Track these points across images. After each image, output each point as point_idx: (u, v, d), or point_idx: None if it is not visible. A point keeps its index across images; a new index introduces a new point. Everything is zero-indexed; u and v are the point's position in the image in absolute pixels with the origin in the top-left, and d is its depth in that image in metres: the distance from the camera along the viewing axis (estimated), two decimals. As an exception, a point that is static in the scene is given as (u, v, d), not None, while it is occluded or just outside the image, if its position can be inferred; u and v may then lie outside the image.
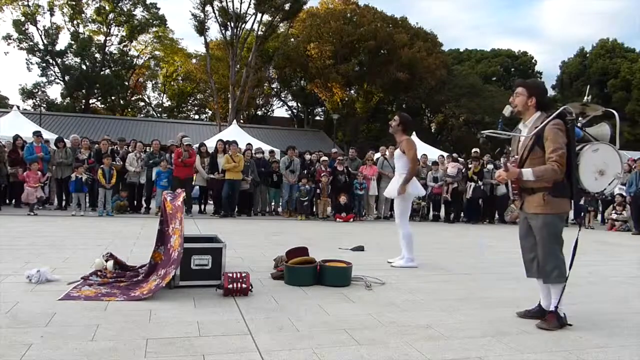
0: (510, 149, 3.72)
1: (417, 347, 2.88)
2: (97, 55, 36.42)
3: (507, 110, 3.56)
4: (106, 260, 4.44)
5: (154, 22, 37.13)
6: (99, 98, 37.94)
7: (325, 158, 11.91)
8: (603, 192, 3.46)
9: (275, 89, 39.70)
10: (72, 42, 35.13)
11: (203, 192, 11.81)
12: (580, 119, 3.53)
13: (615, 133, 3.43)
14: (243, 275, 3.93)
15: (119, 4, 35.99)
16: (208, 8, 26.83)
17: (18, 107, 23.94)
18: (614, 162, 3.38)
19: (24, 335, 2.79)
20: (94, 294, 3.73)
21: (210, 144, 12.98)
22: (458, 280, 4.92)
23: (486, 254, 6.76)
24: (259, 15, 27.96)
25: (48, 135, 14.17)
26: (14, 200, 11.04)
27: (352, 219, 11.00)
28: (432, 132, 38.96)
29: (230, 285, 3.83)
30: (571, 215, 12.79)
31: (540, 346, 2.99)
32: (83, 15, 36.00)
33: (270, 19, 28.62)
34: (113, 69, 37.22)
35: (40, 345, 2.65)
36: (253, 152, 11.69)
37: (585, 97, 3.52)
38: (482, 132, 3.72)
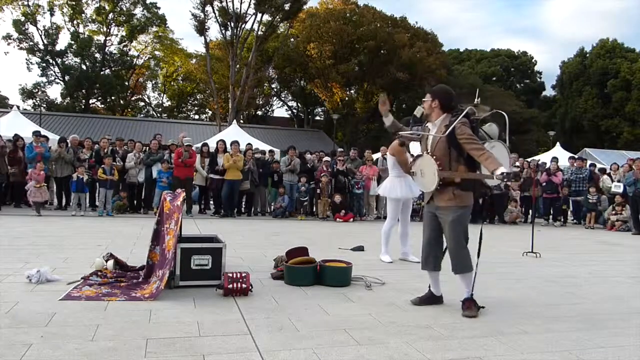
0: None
1: (417, 347, 2.88)
2: (97, 55, 36.36)
3: (418, 111, 3.89)
4: (106, 260, 4.44)
5: (154, 22, 37.08)
6: (99, 98, 37.89)
7: (327, 158, 11.90)
8: (498, 186, 3.81)
9: (275, 89, 39.66)
10: (72, 42, 35.07)
11: (202, 192, 11.81)
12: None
13: (505, 132, 3.84)
14: (243, 275, 3.93)
15: (119, 4, 35.94)
16: (208, 8, 26.77)
17: (18, 107, 23.89)
18: (505, 159, 3.67)
19: (24, 335, 2.79)
20: (95, 294, 3.74)
21: (211, 144, 12.97)
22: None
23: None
24: (259, 15, 27.94)
25: (48, 135, 14.11)
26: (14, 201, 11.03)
27: (352, 219, 10.99)
28: (432, 132, 38.92)
29: (230, 285, 3.84)
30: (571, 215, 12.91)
31: (540, 346, 3.00)
32: (83, 15, 35.95)
33: (270, 19, 28.58)
34: (113, 69, 37.18)
35: (40, 345, 2.65)
36: (253, 151, 11.68)
37: (475, 99, 3.77)
38: (400, 133, 4.01)
